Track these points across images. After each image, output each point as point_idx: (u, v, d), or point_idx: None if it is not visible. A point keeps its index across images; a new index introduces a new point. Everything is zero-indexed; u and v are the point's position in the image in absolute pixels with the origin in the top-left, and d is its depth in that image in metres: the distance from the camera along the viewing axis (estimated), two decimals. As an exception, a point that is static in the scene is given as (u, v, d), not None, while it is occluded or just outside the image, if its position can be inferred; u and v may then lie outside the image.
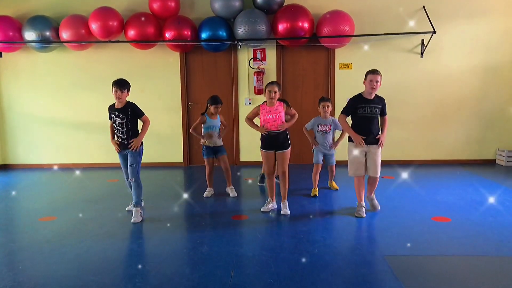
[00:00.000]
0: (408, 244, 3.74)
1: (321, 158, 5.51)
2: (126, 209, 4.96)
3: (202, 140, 5.47)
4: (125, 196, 5.44)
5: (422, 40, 7.12)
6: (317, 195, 5.46)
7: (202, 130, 5.47)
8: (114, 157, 7.52)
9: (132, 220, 4.52)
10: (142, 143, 4.62)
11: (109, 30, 6.77)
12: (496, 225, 4.18)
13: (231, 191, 5.57)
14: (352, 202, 5.01)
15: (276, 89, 4.55)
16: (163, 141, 7.49)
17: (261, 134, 4.69)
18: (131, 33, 6.82)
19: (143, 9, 7.07)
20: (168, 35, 6.81)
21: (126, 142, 4.55)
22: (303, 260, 3.43)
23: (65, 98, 7.57)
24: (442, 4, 7.07)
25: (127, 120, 4.51)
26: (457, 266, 3.30)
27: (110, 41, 6.99)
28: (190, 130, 5.56)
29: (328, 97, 5.76)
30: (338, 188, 5.72)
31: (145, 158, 7.48)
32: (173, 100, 7.51)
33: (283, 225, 4.34)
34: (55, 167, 7.67)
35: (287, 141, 4.71)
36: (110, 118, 4.63)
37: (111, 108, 4.60)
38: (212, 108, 5.40)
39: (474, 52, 7.17)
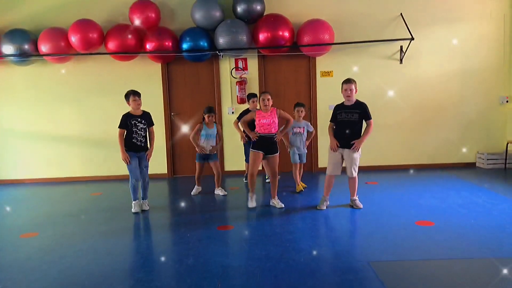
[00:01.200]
0: (393, 249, 3.77)
1: (298, 157, 6.02)
2: (133, 211, 5.26)
3: (197, 149, 5.91)
4: (109, 210, 5.39)
5: (401, 47, 7.24)
6: (303, 190, 6.04)
7: (199, 138, 5.92)
8: (96, 170, 7.52)
9: (144, 208, 5.35)
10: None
11: (89, 42, 6.72)
12: (478, 228, 4.25)
13: (221, 191, 6.05)
14: (336, 207, 5.07)
15: (269, 97, 5.11)
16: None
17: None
18: (112, 44, 6.79)
19: (124, 20, 7.04)
20: (149, 46, 6.80)
21: (143, 145, 5.21)
22: (289, 268, 3.43)
23: (45, 112, 7.47)
24: (419, 11, 7.21)
25: (147, 126, 5.21)
26: (442, 270, 3.33)
27: (90, 54, 6.94)
28: (190, 138, 5.97)
29: (302, 103, 6.14)
30: (306, 186, 6.19)
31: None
32: (156, 111, 7.41)
33: (268, 234, 4.33)
34: (37, 182, 7.55)
35: (276, 146, 5.21)
36: (125, 126, 5.12)
37: (130, 116, 5.14)
38: (206, 117, 5.86)
39: (451, 57, 7.32)
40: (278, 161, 5.24)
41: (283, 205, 5.22)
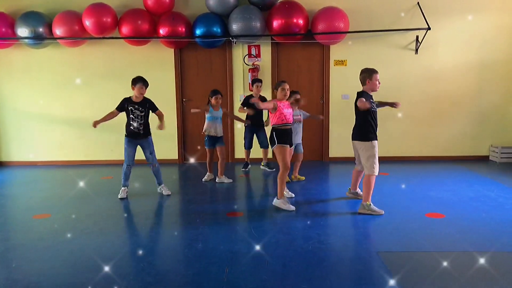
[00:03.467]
0: (402, 240, 3.76)
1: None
2: (119, 196, 5.32)
3: (204, 130, 5.96)
4: (119, 193, 5.43)
5: (417, 37, 7.13)
6: (289, 181, 5.83)
7: (206, 120, 5.95)
8: (108, 154, 7.57)
9: (165, 193, 5.39)
10: (150, 134, 5.31)
11: (103, 26, 6.73)
12: (490, 221, 4.21)
13: (225, 179, 5.99)
14: (345, 198, 5.06)
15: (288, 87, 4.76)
16: (157, 138, 7.35)
17: (279, 130, 4.66)
18: (125, 29, 6.78)
19: (138, 5, 7.02)
20: (162, 31, 6.79)
21: (142, 132, 5.17)
22: (298, 256, 3.44)
23: (58, 94, 7.53)
24: (436, 0, 7.07)
25: (145, 113, 5.14)
26: (451, 262, 3.31)
27: (104, 38, 6.95)
28: (192, 110, 6.12)
29: (296, 90, 5.68)
30: (304, 178, 6.00)
31: (140, 155, 7.47)
32: (168, 96, 7.48)
33: (277, 222, 4.34)
34: (49, 165, 7.64)
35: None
36: (120, 108, 5.19)
37: (129, 101, 5.17)
38: (212, 100, 5.89)
39: (468, 48, 7.19)
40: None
41: (293, 195, 5.20)
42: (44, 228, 4.26)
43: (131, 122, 5.15)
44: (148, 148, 5.28)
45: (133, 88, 5.14)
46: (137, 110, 5.13)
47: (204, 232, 4.05)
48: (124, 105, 5.16)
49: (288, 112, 4.72)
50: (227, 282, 3.04)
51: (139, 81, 5.09)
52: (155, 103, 5.27)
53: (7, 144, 7.72)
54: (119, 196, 5.32)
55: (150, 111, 5.24)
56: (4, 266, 3.40)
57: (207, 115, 5.94)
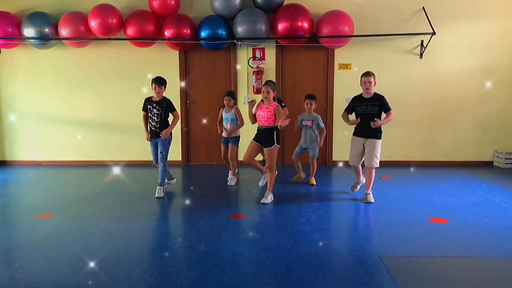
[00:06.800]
0: (405, 245, 3.75)
1: (299, 150, 5.98)
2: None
3: (219, 130, 6.06)
4: (123, 194, 5.45)
5: (422, 41, 7.12)
6: (300, 182, 6.06)
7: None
8: (112, 155, 7.59)
9: (156, 195, 5.36)
10: (171, 133, 5.40)
11: (109, 27, 6.76)
12: (493, 227, 4.19)
13: (230, 179, 6.07)
14: (348, 201, 5.04)
15: (269, 89, 5.02)
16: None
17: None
18: (131, 30, 6.81)
19: (143, 6, 7.05)
20: (167, 33, 6.81)
21: (158, 131, 5.33)
22: (300, 260, 3.43)
23: (63, 95, 7.55)
24: (441, 5, 7.07)
25: (162, 112, 5.30)
26: (454, 268, 3.30)
27: (109, 39, 6.97)
28: (217, 122, 6.16)
29: (313, 94, 5.91)
30: (315, 183, 5.92)
31: (144, 156, 7.53)
32: (172, 98, 7.37)
33: (280, 224, 4.34)
34: (52, 165, 7.66)
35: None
36: (144, 109, 5.44)
37: (149, 100, 5.41)
38: (224, 100, 5.95)
39: (473, 53, 7.18)
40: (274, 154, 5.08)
41: (267, 202, 5.04)
42: (47, 228, 4.27)
43: (149, 121, 5.37)
44: (160, 148, 5.38)
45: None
46: (154, 108, 5.31)
47: (207, 234, 4.05)
48: (145, 104, 5.40)
49: (259, 114, 5.08)
50: (230, 284, 3.04)
51: (152, 82, 5.32)
52: (173, 104, 5.43)
53: (11, 143, 7.74)
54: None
55: (169, 112, 5.39)
56: (7, 266, 3.41)
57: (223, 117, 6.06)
